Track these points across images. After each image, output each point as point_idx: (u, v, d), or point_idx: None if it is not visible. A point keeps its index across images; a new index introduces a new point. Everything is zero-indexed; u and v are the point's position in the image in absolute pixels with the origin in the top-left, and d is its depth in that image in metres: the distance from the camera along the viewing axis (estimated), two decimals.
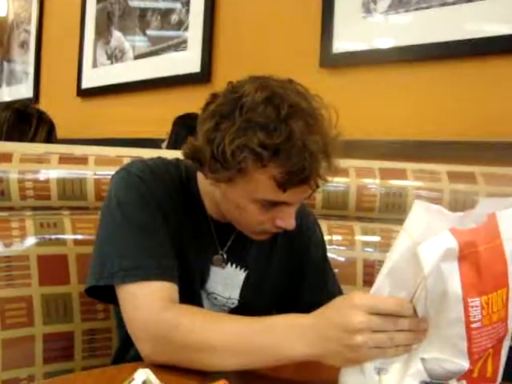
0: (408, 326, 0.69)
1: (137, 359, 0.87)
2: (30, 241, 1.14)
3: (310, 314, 0.77)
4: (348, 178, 1.36)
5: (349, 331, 0.69)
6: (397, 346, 0.69)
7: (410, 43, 1.65)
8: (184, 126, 1.95)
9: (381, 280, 0.70)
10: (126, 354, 1.02)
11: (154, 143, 2.11)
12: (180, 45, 2.47)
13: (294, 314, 0.80)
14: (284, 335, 0.77)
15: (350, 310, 0.70)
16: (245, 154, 0.82)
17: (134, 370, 0.74)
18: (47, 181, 1.16)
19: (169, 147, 2.00)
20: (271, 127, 0.82)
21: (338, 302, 0.74)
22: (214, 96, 0.91)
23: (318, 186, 0.88)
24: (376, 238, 1.36)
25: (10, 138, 1.63)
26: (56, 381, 0.84)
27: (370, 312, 0.69)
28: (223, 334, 0.80)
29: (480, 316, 0.64)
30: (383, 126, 1.71)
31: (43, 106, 3.38)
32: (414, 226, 0.68)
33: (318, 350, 0.74)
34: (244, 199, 0.89)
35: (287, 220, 0.91)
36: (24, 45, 3.76)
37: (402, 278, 0.68)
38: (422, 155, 1.55)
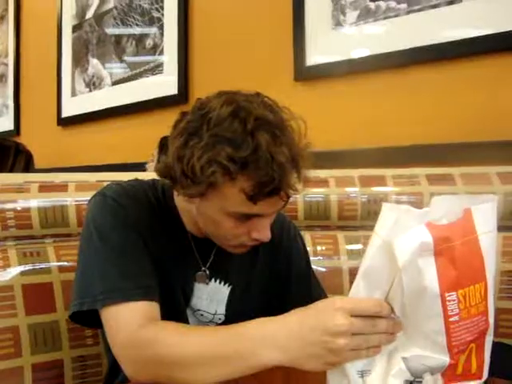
0: (385, 328, 0.70)
1: (126, 382, 0.87)
2: (14, 271, 1.13)
3: (284, 317, 0.77)
4: (328, 187, 1.37)
5: (331, 334, 0.69)
6: (369, 348, 0.70)
7: (382, 51, 1.68)
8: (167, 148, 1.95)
9: (357, 283, 0.70)
10: (116, 377, 1.02)
11: (136, 167, 2.12)
12: (156, 68, 2.49)
13: (267, 318, 0.79)
14: (255, 342, 0.76)
15: (331, 313, 0.70)
16: (213, 168, 0.83)
17: None
18: (28, 210, 1.16)
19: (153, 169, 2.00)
20: (238, 141, 0.83)
21: (318, 305, 0.75)
22: (183, 114, 0.92)
23: (288, 197, 0.89)
24: (360, 246, 1.37)
25: None
26: None
27: (351, 314, 0.69)
28: (193, 346, 0.80)
29: (457, 310, 0.65)
30: (361, 134, 1.73)
31: (24, 137, 3.38)
32: (384, 226, 0.69)
33: (295, 355, 0.73)
34: (218, 213, 0.90)
35: (262, 232, 0.92)
36: (2, 78, 3.76)
37: (377, 277, 0.69)
38: (400, 161, 1.57)
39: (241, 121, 0.84)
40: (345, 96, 1.77)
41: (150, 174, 1.18)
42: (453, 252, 0.65)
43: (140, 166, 2.13)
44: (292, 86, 1.86)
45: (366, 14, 1.71)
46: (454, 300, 0.65)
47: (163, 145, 2.04)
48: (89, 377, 1.20)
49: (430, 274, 0.65)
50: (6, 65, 3.68)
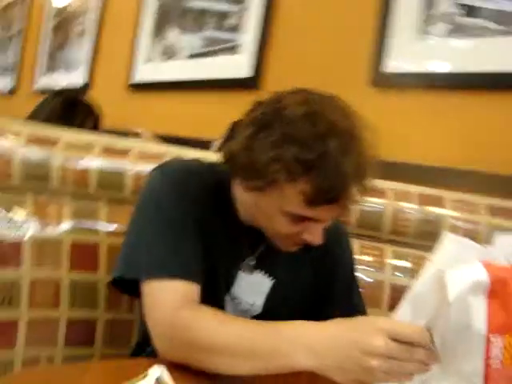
0: (422, 357, 0.69)
1: (154, 355, 0.88)
2: (65, 226, 1.16)
3: (325, 325, 0.77)
4: (386, 199, 1.35)
5: (367, 353, 0.69)
6: (402, 374, 0.70)
7: (466, 70, 1.62)
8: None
9: (403, 306, 0.70)
10: (145, 348, 1.03)
11: (198, 143, 2.13)
12: (233, 49, 2.49)
13: (308, 322, 0.79)
14: (292, 343, 0.76)
15: (371, 332, 0.70)
16: (278, 166, 0.84)
17: (151, 365, 0.76)
18: (88, 169, 1.18)
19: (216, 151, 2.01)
20: (307, 143, 0.83)
21: (360, 322, 0.74)
22: (258, 104, 0.92)
23: (347, 207, 0.88)
24: (407, 264, 1.34)
25: (57, 125, 1.67)
26: (74, 366, 0.86)
27: (390, 337, 0.69)
28: (230, 336, 0.81)
29: (501, 356, 0.63)
30: (428, 150, 1.69)
31: (94, 93, 3.45)
32: (442, 256, 0.67)
33: (327, 364, 0.73)
34: (274, 210, 0.90)
35: (315, 236, 0.92)
36: (83, 33, 3.85)
37: (424, 306, 0.68)
38: (464, 184, 1.53)
39: (313, 124, 0.83)
40: (418, 109, 1.73)
41: (211, 155, 1.19)
42: (508, 296, 0.63)
43: (201, 143, 2.14)
44: (365, 89, 1.83)
45: (457, 29, 1.65)
46: (499, 345, 0.63)
47: (233, 129, 2.05)
48: (118, 342, 1.22)
49: (478, 313, 0.63)
50: (87, 21, 3.77)
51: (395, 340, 0.69)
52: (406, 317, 0.69)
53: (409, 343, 0.69)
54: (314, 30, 2.11)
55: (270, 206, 0.90)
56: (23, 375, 0.87)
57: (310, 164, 0.82)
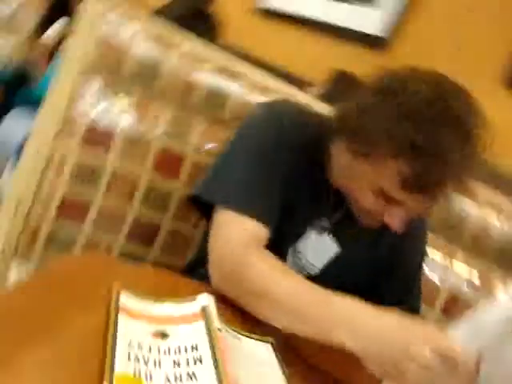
0: (460, 380, 0.67)
1: (206, 278, 0.90)
2: (160, 129, 1.17)
3: (379, 313, 0.75)
4: (474, 204, 1.29)
5: (410, 358, 0.68)
6: None
7: None
8: (340, 84, 1.91)
9: (461, 325, 0.67)
10: (199, 268, 1.05)
11: (304, 84, 2.09)
12: (372, 1, 2.39)
13: (363, 303, 0.78)
14: (338, 319, 0.76)
15: (421, 340, 0.69)
16: (386, 137, 0.82)
17: (201, 291, 0.77)
18: (196, 82, 1.18)
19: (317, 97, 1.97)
20: (422, 125, 0.80)
21: (414, 325, 0.73)
22: (389, 73, 0.88)
23: (438, 201, 0.86)
24: (474, 277, 1.29)
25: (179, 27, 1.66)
26: (132, 265, 0.89)
27: (437, 351, 0.67)
28: (283, 289, 0.81)
29: None
30: None
31: (221, 4, 3.42)
32: None
33: (367, 349, 0.73)
34: (364, 181, 0.89)
35: (396, 220, 0.90)
36: None
37: (486, 334, 0.65)
38: None
39: (437, 111, 0.80)
40: None
41: (305, 99, 1.16)
42: None
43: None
44: (497, 90, 1.72)
45: None
46: None
47: (333, 80, 1.99)
48: (174, 250, 1.25)
49: None
50: None
51: (441, 355, 0.67)
52: (460, 335, 0.67)
53: (454, 363, 0.67)
54: (462, 10, 1.98)
55: (364, 175, 0.88)
56: (83, 257, 0.91)
57: (417, 145, 0.80)
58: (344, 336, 0.74)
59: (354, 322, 0.75)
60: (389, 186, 0.85)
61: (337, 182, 0.98)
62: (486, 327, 0.65)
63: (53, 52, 2.65)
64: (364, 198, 0.90)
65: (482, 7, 1.91)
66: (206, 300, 0.74)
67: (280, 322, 0.80)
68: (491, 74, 1.74)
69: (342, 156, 0.95)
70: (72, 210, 1.16)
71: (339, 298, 0.79)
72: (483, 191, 1.30)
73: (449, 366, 0.67)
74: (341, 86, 1.89)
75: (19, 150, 1.84)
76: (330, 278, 1.03)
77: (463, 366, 0.66)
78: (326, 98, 1.88)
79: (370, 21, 2.35)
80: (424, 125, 0.80)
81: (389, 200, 0.87)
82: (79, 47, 1.12)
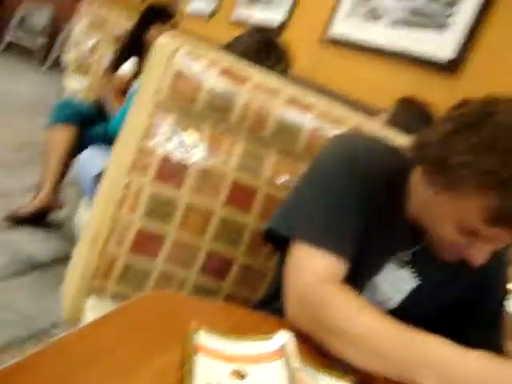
0: None
1: (280, 312, 0.87)
2: (233, 162, 1.18)
3: (465, 353, 0.72)
4: None
5: None
6: None
7: None
8: (407, 111, 1.87)
9: None
10: (274, 302, 1.03)
11: (372, 111, 2.06)
12: (442, 25, 2.34)
13: (446, 341, 0.74)
14: (420, 360, 0.72)
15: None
16: (470, 171, 0.78)
17: (278, 326, 0.75)
18: (268, 115, 1.18)
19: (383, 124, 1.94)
20: (509, 157, 0.76)
21: (505, 366, 0.69)
22: (465, 102, 0.86)
23: None
24: None
25: (249, 62, 1.68)
26: (209, 302, 0.88)
27: None
28: (362, 326, 0.78)
29: None
30: None
31: (288, 35, 3.46)
32: None
33: None
34: (447, 215, 0.85)
35: (477, 256, 0.86)
36: None
37: None
38: None
39: None
40: None
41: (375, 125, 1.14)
42: None
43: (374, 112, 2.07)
44: None
45: None
46: None
47: (399, 106, 1.95)
48: (248, 284, 1.25)
49: None
50: None
51: None
52: None
53: None
54: None
55: (446, 208, 0.84)
56: (161, 294, 0.91)
57: (505, 181, 0.76)
58: (430, 379, 0.71)
59: (440, 364, 0.71)
60: (473, 222, 0.81)
61: (416, 215, 0.95)
62: None
63: (126, 88, 2.75)
64: (445, 233, 0.87)
65: None
66: (284, 338, 0.72)
67: (359, 360, 0.77)
68: None
69: (421, 188, 0.91)
70: (146, 243, 1.17)
71: (422, 336, 0.75)
72: None
73: None
74: (408, 111, 1.84)
75: (94, 186, 1.89)
76: (409, 312, 0.99)
77: None
78: (394, 124, 1.84)
79: (438, 45, 2.30)
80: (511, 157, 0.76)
81: (473, 235, 0.83)
82: (153, 82, 1.14)
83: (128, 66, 2.86)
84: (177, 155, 1.16)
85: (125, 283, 1.18)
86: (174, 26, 2.99)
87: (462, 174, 0.78)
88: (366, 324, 0.78)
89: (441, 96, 0.89)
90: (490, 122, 0.79)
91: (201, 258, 1.20)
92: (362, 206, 0.91)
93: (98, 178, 1.69)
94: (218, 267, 1.22)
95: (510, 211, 0.76)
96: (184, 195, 1.16)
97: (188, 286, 1.21)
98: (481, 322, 1.03)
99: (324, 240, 0.87)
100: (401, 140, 1.20)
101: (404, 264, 0.98)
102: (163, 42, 1.16)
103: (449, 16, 2.32)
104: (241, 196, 1.19)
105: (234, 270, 1.23)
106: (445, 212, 0.85)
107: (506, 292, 1.08)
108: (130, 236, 1.16)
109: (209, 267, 1.22)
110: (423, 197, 0.91)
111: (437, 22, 2.37)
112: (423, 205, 0.91)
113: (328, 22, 3.11)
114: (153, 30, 2.85)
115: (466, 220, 0.82)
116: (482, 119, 0.80)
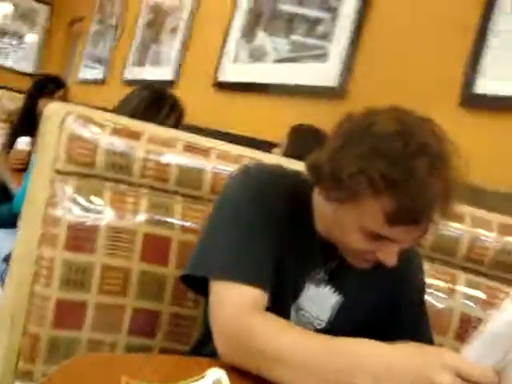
0: None
1: (214, 354, 0.88)
2: (141, 217, 1.18)
3: (391, 348, 0.75)
4: (463, 224, 1.30)
5: None
6: None
7: None
8: (301, 138, 1.95)
9: (473, 344, 0.66)
10: (206, 346, 1.04)
11: (272, 146, 2.14)
12: (321, 56, 2.48)
13: (373, 342, 0.77)
14: (353, 363, 0.74)
15: (438, 367, 0.68)
16: (361, 178, 0.83)
17: (210, 366, 0.76)
18: (169, 165, 1.20)
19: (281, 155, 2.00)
20: (395, 160, 0.82)
21: (428, 353, 0.72)
22: (348, 117, 0.91)
23: (427, 230, 0.86)
24: (479, 294, 1.29)
25: (142, 116, 1.71)
26: (135, 357, 0.87)
27: (456, 375, 0.66)
28: (285, 344, 0.79)
29: None
30: None
31: (179, 89, 3.53)
32: None
33: None
34: (351, 224, 0.89)
35: (389, 256, 0.90)
36: (174, 30, 3.94)
37: (496, 347, 0.65)
38: None
39: (403, 142, 0.82)
40: (508, 134, 1.66)
41: (288, 162, 1.19)
42: None
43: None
44: (455, 109, 1.77)
45: None
46: None
47: (292, 135, 2.03)
48: (179, 335, 1.24)
49: None
50: (180, 19, 3.86)
51: (461, 378, 0.66)
52: (475, 355, 0.66)
53: (476, 383, 0.66)
54: (405, 45, 2.07)
55: (348, 219, 0.89)
56: (85, 359, 0.90)
57: (395, 181, 0.81)
58: (366, 380, 0.72)
59: (366, 365, 0.73)
60: (375, 225, 0.86)
61: (325, 232, 0.99)
62: (500, 340, 0.64)
63: (25, 165, 2.69)
64: (354, 242, 0.91)
65: (426, 37, 1.98)
66: (216, 374, 0.73)
67: (292, 381, 0.78)
68: (450, 97, 1.79)
69: (323, 206, 0.96)
70: (68, 316, 1.15)
71: (347, 342, 0.78)
72: (465, 209, 1.31)
73: None
74: (302, 139, 1.92)
75: (5, 267, 1.82)
76: (339, 327, 1.02)
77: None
78: (291, 154, 1.91)
79: (321, 75, 2.43)
80: (396, 158, 0.82)
81: (379, 238, 0.88)
82: (49, 150, 1.14)
83: (23, 142, 2.81)
84: (84, 221, 1.15)
85: (53, 362, 1.14)
86: (63, 97, 2.98)
87: (355, 183, 0.83)
88: (288, 341, 0.80)
89: (330, 120, 0.95)
90: (370, 133, 0.85)
91: (127, 319, 1.19)
92: (272, 231, 0.94)
93: (9, 258, 1.64)
94: (146, 324, 1.21)
95: (405, 210, 0.81)
96: (98, 259, 1.15)
97: (119, 349, 1.19)
98: (405, 321, 1.08)
99: (238, 273, 0.88)
100: (300, 167, 1.26)
101: (323, 282, 1.01)
102: (52, 110, 1.17)
103: (325, 48, 2.46)
104: (155, 249, 1.19)
105: (163, 323, 1.22)
106: (348, 223, 0.89)
107: (424, 287, 1.14)
108: (50, 311, 1.12)
109: (137, 326, 1.20)
110: (326, 214, 0.95)
111: (317, 54, 2.51)
112: (329, 221, 0.96)
113: (217, 68, 3.20)
114: (41, 103, 2.83)
115: (369, 225, 0.86)
116: (364, 131, 0.86)
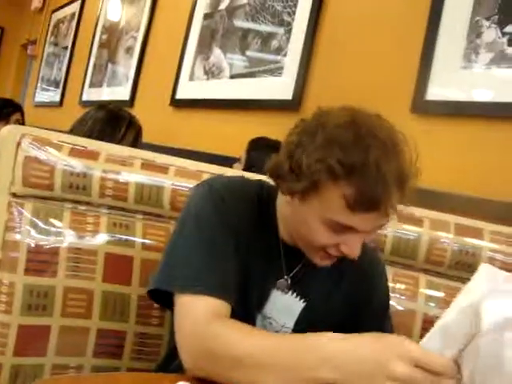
0: None
1: (181, 369, 0.88)
2: (101, 238, 1.18)
3: (351, 340, 0.76)
4: (422, 227, 1.33)
5: (390, 378, 0.69)
6: None
7: (509, 100, 1.60)
8: (258, 149, 1.97)
9: (431, 334, 0.68)
10: (172, 362, 1.03)
11: (233, 161, 2.15)
12: (276, 70, 2.51)
13: (333, 334, 0.78)
14: (313, 356, 0.76)
15: (397, 356, 0.69)
16: (319, 166, 0.85)
17: (177, 380, 0.76)
18: (127, 183, 1.20)
19: (242, 169, 2.02)
20: (349, 148, 0.85)
21: (387, 342, 0.73)
22: (301, 120, 0.95)
23: (387, 217, 0.89)
24: (440, 294, 1.32)
25: (99, 136, 1.70)
26: (101, 376, 0.87)
27: (415, 364, 0.68)
28: (251, 347, 0.80)
29: None
30: (467, 180, 1.66)
31: (137, 109, 3.52)
32: (477, 288, 0.66)
33: (350, 379, 0.72)
34: (314, 218, 0.91)
35: (352, 248, 0.92)
36: (129, 50, 3.94)
37: (454, 337, 0.67)
38: (503, 217, 1.49)
39: (355, 130, 0.86)
40: (459, 137, 1.71)
41: (250, 175, 1.20)
42: None
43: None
44: (407, 116, 1.82)
45: (501, 59, 1.64)
46: None
47: (251, 147, 2.06)
48: (146, 354, 1.23)
49: None
50: (135, 38, 3.86)
51: (420, 367, 0.68)
52: (434, 346, 0.68)
53: (434, 372, 0.68)
54: (357, 55, 2.12)
55: (309, 214, 0.91)
56: (51, 382, 0.88)
57: (352, 167, 0.84)
58: (326, 371, 0.74)
59: (330, 355, 0.74)
60: (337, 214, 0.87)
61: (289, 236, 1.00)
62: (455, 329, 0.66)
63: None
64: (318, 236, 0.92)
65: (377, 47, 2.04)
66: None
67: (263, 382, 0.78)
68: (402, 104, 1.84)
69: (286, 207, 0.98)
70: (30, 342, 1.13)
71: (307, 336, 0.79)
72: (424, 212, 1.35)
73: (431, 376, 0.67)
74: (259, 151, 1.95)
75: None
76: (304, 332, 1.03)
77: (445, 372, 0.67)
78: (249, 166, 1.93)
79: (277, 88, 2.46)
80: (351, 146, 0.85)
81: (341, 229, 0.89)
82: (5, 174, 1.13)
83: None
84: (43, 244, 1.14)
85: None
86: (20, 120, 2.94)
87: (315, 173, 0.85)
88: (254, 344, 0.81)
89: (287, 132, 0.97)
90: (323, 126, 0.88)
91: (92, 341, 1.17)
92: (235, 241, 0.95)
93: None
94: (111, 345, 1.20)
95: (364, 193, 0.84)
96: (59, 282, 1.14)
97: (85, 372, 1.17)
98: (370, 325, 1.09)
99: (202, 285, 0.89)
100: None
101: (287, 288, 1.03)
102: (7, 133, 1.16)
103: (280, 62, 2.50)
104: (117, 268, 1.18)
105: (129, 343, 1.21)
106: (312, 216, 0.91)
107: (387, 290, 1.16)
108: (11, 339, 1.10)
109: (102, 348, 1.19)
110: (290, 214, 0.97)
111: (272, 68, 2.54)
112: (292, 221, 0.97)
113: (174, 86, 3.21)
114: None
115: (332, 215, 0.88)
116: (317, 126, 0.89)
